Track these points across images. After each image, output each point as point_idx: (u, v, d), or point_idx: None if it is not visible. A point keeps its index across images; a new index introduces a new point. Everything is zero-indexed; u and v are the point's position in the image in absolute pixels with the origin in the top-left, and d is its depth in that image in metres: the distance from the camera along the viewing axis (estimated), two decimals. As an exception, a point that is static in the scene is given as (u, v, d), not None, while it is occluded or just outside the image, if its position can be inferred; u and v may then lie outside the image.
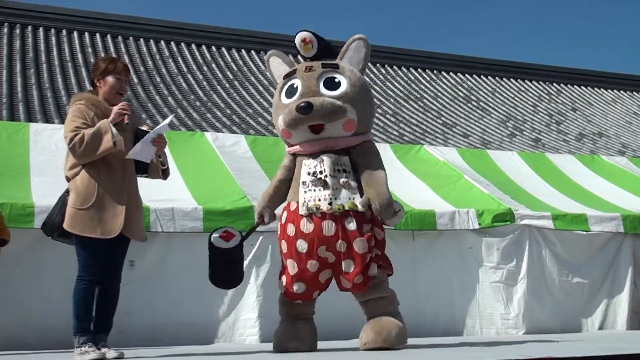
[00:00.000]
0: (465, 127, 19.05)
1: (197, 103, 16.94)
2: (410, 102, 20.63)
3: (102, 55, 18.17)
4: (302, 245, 4.33)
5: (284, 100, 4.51)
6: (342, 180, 4.36)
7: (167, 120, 4.45)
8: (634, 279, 7.16)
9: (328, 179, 4.34)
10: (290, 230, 4.39)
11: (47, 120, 13.30)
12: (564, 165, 8.82)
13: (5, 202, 5.46)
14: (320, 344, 4.84)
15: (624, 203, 7.70)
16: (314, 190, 4.36)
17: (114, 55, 18.25)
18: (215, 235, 4.54)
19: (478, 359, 3.65)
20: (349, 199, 4.32)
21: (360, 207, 4.30)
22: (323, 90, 4.41)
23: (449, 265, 6.69)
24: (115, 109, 4.17)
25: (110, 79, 4.29)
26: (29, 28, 18.53)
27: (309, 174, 4.39)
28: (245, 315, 5.99)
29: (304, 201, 4.35)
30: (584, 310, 7.03)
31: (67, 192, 4.14)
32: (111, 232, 4.09)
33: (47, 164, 6.35)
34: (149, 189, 5.38)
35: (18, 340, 5.34)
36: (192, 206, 6.03)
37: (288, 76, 4.59)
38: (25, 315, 5.49)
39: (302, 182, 4.40)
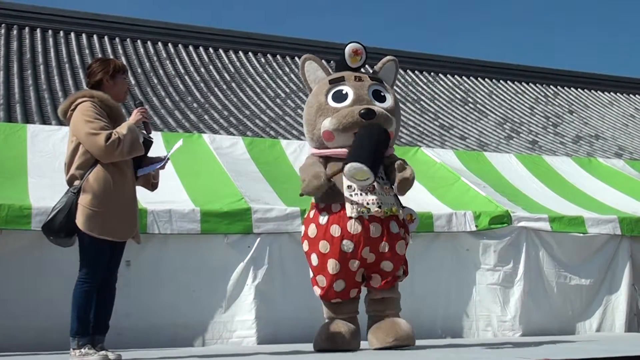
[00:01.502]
0: (463, 129, 19.07)
1: (195, 105, 16.93)
2: (408, 104, 20.64)
3: (100, 56, 18.15)
4: (348, 245, 4.56)
5: (332, 103, 4.71)
6: (385, 186, 4.66)
7: (178, 145, 4.45)
8: (633, 281, 7.16)
9: (375, 184, 4.59)
10: (335, 230, 4.57)
11: (45, 121, 13.29)
12: (561, 167, 8.82)
13: (3, 203, 5.44)
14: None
15: (620, 205, 7.71)
16: (361, 194, 4.58)
17: (110, 56, 18.24)
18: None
19: (475, 361, 3.66)
20: (391, 204, 4.63)
21: (400, 214, 4.68)
22: (374, 101, 4.72)
23: (446, 267, 6.68)
24: (137, 112, 4.18)
25: (121, 78, 4.27)
26: (26, 29, 18.51)
27: None
28: (242, 317, 5.98)
29: (352, 204, 4.55)
30: (581, 312, 7.03)
31: (74, 192, 4.01)
32: (126, 235, 4.14)
33: (44, 166, 6.33)
34: (146, 191, 5.37)
35: (14, 341, 5.32)
36: (190, 208, 6.02)
37: (335, 82, 4.79)
38: (22, 316, 5.47)
39: (348, 186, 4.59)
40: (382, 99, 4.77)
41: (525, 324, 6.68)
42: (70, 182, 4.10)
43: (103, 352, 3.98)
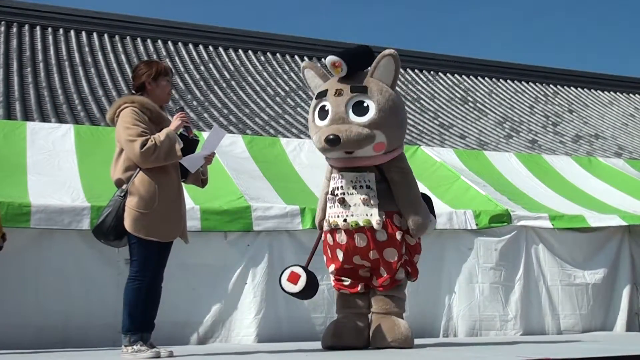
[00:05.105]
0: (462, 128, 19.06)
1: (194, 103, 16.92)
2: (407, 102, 20.62)
3: (99, 54, 18.15)
4: (339, 254, 4.67)
5: (317, 121, 4.69)
6: (362, 197, 4.56)
7: (223, 136, 4.49)
8: (633, 280, 7.17)
9: (346, 197, 4.58)
10: (330, 239, 4.72)
11: (44, 119, 13.27)
12: (561, 166, 8.82)
13: (2, 201, 5.43)
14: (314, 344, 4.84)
15: (620, 204, 7.71)
16: (333, 206, 4.64)
17: (112, 54, 18.24)
18: (283, 279, 4.65)
19: (476, 360, 3.66)
20: (366, 215, 4.52)
21: (375, 225, 4.51)
22: (352, 116, 4.54)
23: (447, 266, 6.68)
24: (177, 118, 4.22)
25: (163, 81, 4.34)
26: (26, 27, 18.48)
27: (331, 191, 4.67)
28: (242, 315, 5.98)
29: (327, 217, 4.67)
30: (582, 311, 7.02)
31: (122, 195, 4.11)
32: (173, 236, 4.22)
33: (43, 163, 6.33)
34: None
35: (14, 339, 5.31)
36: (190, 206, 5.98)
37: (320, 96, 4.73)
38: (21, 314, 5.47)
39: (328, 198, 4.69)
40: (363, 112, 4.54)
41: (526, 323, 6.69)
42: (117, 185, 4.20)
43: (155, 349, 4.03)
